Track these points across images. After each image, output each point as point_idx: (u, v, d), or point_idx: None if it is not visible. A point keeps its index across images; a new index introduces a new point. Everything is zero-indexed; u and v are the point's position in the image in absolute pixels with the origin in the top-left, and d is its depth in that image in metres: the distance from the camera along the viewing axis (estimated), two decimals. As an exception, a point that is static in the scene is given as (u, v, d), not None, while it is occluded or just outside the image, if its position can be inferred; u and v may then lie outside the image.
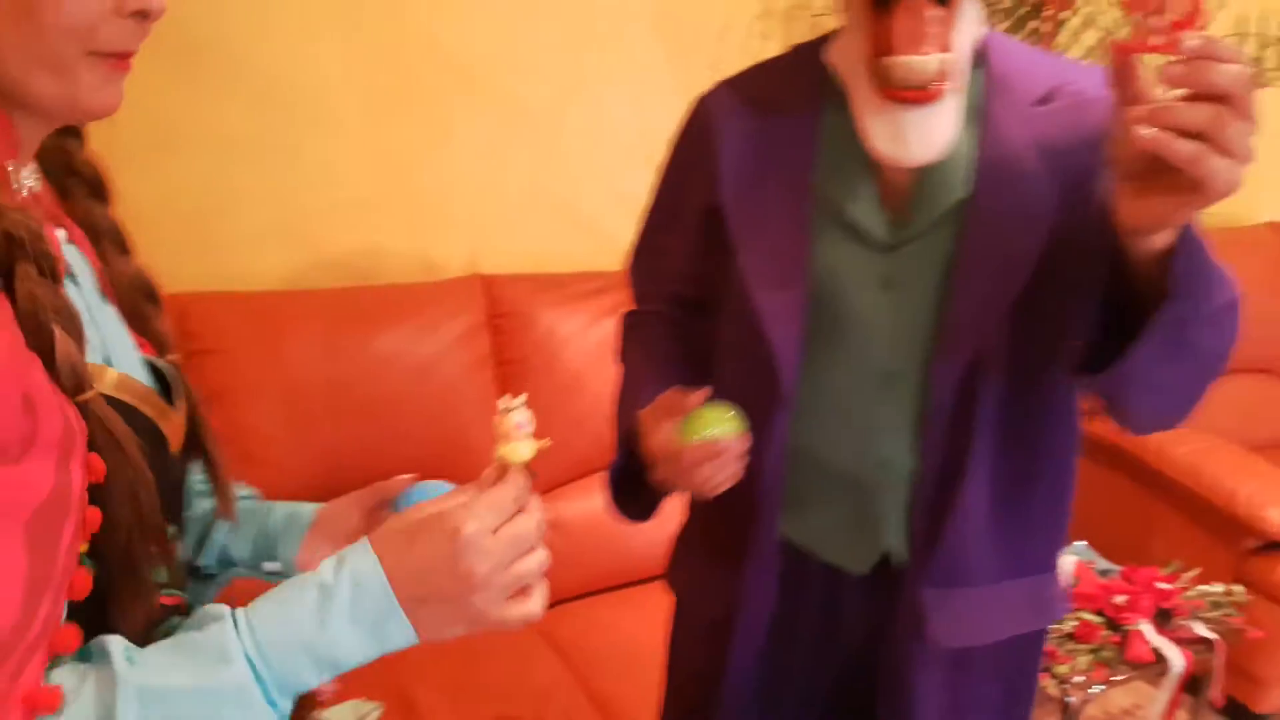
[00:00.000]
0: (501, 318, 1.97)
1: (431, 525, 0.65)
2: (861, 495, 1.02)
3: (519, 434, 0.71)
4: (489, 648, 1.83)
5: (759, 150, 1.00)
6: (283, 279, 1.99)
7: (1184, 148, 0.67)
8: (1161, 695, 2.07)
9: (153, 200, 1.82)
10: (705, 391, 0.95)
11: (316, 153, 1.95)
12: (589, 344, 2.02)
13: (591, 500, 1.97)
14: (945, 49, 0.86)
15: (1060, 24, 2.01)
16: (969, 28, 0.90)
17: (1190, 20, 0.69)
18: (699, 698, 1.15)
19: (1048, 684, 1.96)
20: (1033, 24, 2.00)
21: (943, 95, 0.86)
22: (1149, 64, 0.72)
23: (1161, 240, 0.76)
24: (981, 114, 0.94)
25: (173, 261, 1.87)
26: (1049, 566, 1.09)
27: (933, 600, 1.01)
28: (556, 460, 1.97)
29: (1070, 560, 2.22)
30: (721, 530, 1.11)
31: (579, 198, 2.22)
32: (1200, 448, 2.48)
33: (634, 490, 1.09)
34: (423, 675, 1.71)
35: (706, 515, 1.15)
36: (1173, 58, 0.67)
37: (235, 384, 1.76)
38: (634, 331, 1.21)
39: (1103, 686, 1.97)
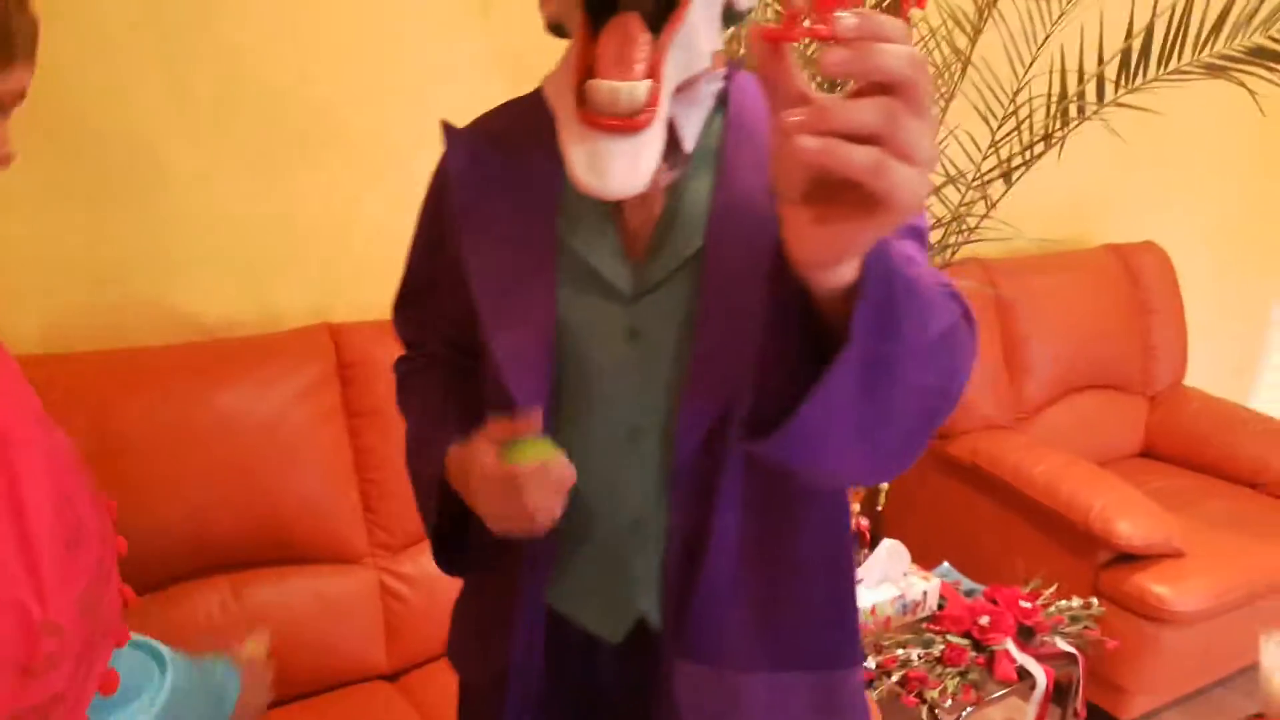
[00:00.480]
0: (351, 367, 1.89)
1: None
2: (615, 557, 0.96)
3: None
4: (348, 711, 1.75)
5: (498, 193, 0.95)
6: (112, 338, 1.87)
7: (858, 156, 0.54)
8: (1030, 710, 2.11)
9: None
10: (535, 419, 0.90)
11: (145, 204, 1.85)
12: (446, 391, 1.95)
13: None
14: (654, 76, 0.79)
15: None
16: (695, 61, 0.84)
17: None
18: None
19: (919, 710, 1.97)
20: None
21: (647, 126, 0.78)
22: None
23: (849, 273, 0.65)
24: (719, 158, 0.90)
25: (18, 324, 1.75)
26: (841, 662, 0.99)
27: (686, 676, 0.94)
28: (414, 515, 1.90)
29: (935, 582, 2.26)
30: (489, 597, 1.05)
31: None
32: (1055, 465, 2.56)
33: (456, 540, 1.04)
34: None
35: (476, 583, 1.10)
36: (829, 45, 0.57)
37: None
38: (411, 379, 1.16)
39: (972, 708, 1.99)
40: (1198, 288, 3.57)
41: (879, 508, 2.67)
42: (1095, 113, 2.25)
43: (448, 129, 0.98)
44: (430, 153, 2.08)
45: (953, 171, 2.35)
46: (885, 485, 2.66)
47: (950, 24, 2.37)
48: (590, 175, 0.77)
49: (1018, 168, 2.31)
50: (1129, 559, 2.42)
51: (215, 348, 1.82)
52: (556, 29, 0.89)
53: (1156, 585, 2.35)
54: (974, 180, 2.37)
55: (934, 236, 2.39)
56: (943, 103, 2.31)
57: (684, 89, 0.85)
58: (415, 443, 1.07)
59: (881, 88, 0.55)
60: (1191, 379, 3.38)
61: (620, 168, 0.77)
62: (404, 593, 1.89)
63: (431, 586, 1.90)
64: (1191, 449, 3.07)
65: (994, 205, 2.37)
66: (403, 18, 2.02)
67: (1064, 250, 3.19)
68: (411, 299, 1.15)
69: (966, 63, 2.29)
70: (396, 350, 1.94)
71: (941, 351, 0.71)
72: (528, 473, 0.85)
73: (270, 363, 1.83)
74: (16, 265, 1.77)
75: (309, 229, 2.02)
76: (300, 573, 1.81)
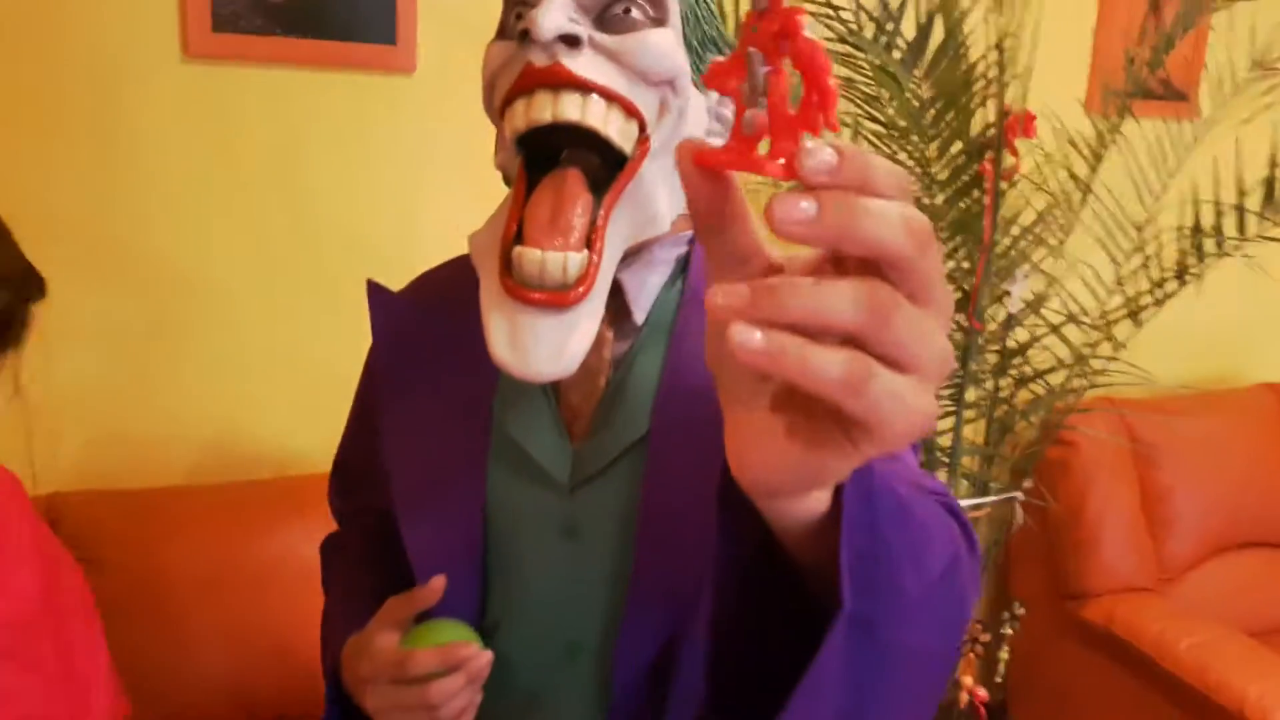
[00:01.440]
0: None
1: None
2: None
3: None
4: None
5: (427, 362, 0.84)
6: (182, 474, 1.85)
7: (824, 365, 0.36)
8: None
9: (43, 393, 1.70)
10: (437, 590, 0.77)
11: (213, 340, 1.85)
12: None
13: None
14: (592, 246, 0.68)
15: (1001, 194, 1.90)
16: (649, 225, 0.73)
17: (812, 111, 0.38)
18: None
19: None
20: (975, 193, 1.89)
21: (578, 303, 0.67)
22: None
23: (816, 504, 0.48)
24: (671, 332, 0.78)
25: (67, 457, 1.76)
26: None
27: None
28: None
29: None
30: None
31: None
32: (1205, 639, 2.25)
33: None
34: None
35: None
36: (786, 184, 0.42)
37: (109, 597, 1.59)
38: (334, 555, 1.06)
39: None
40: (1376, 432, 3.17)
41: (998, 678, 2.39)
42: (1236, 246, 2.02)
43: (373, 290, 0.89)
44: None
45: (1074, 309, 2.15)
46: (1005, 652, 2.39)
47: (1068, 148, 2.20)
48: (509, 353, 0.67)
49: (1146, 306, 2.09)
50: (1296, 756, 2.07)
51: (267, 487, 1.77)
52: (507, 180, 0.79)
53: (1330, 792, 1.99)
54: (1099, 319, 2.16)
55: (1054, 379, 2.17)
56: (1061, 235, 2.12)
57: (636, 251, 0.74)
58: (323, 627, 0.95)
59: (867, 263, 0.37)
60: (1372, 537, 2.97)
61: (545, 348, 0.66)
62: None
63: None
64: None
65: (1121, 346, 2.14)
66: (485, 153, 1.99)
67: (1213, 389, 2.89)
68: (343, 469, 1.06)
69: (1086, 191, 2.11)
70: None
71: (940, 599, 0.53)
72: (429, 658, 0.72)
73: (323, 504, 1.75)
74: (70, 397, 1.78)
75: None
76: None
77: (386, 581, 0.88)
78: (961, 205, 1.95)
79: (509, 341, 0.67)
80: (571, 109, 0.67)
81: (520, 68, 0.69)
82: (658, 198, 0.73)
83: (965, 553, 0.57)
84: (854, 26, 1.85)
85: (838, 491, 0.48)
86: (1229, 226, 2.04)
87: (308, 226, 1.88)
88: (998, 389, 2.12)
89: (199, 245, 1.81)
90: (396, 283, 1.95)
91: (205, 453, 1.87)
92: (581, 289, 0.67)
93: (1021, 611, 2.43)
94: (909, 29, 1.97)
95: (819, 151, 0.36)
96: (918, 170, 1.92)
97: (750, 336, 0.35)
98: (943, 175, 1.91)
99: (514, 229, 0.70)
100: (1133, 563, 2.52)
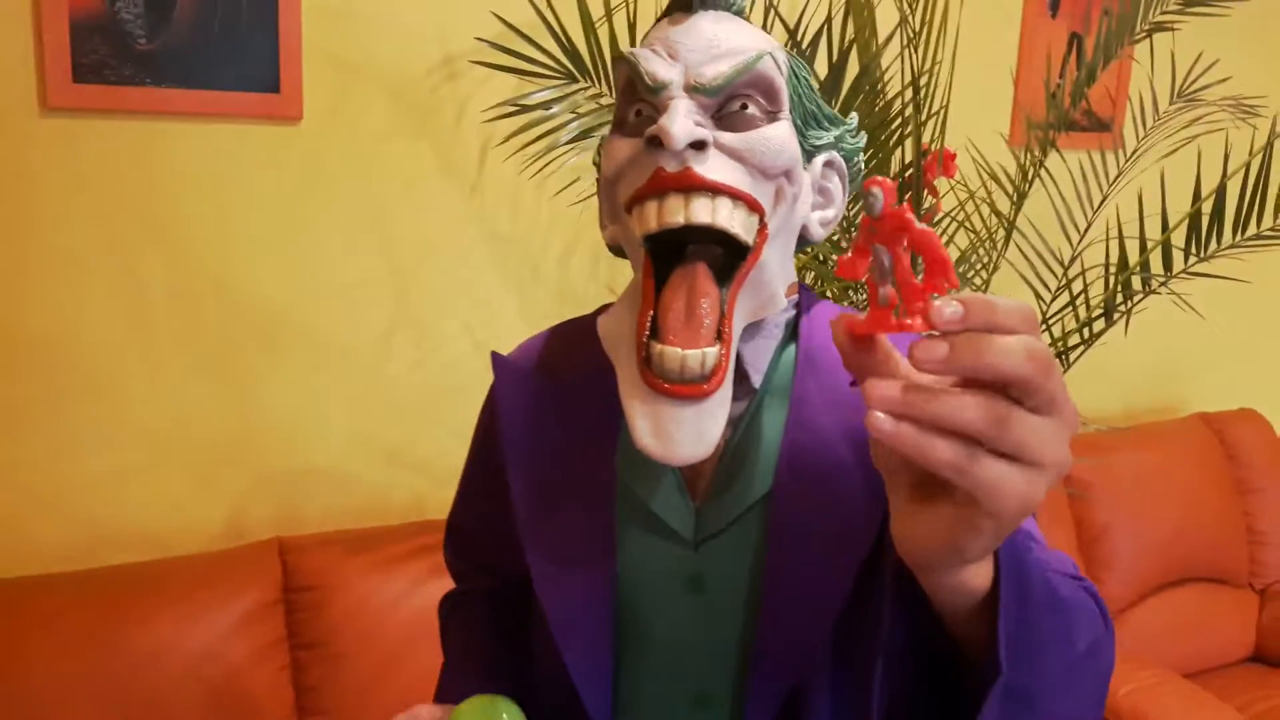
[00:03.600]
0: (299, 591, 1.68)
1: None
2: None
3: None
4: None
5: (551, 427, 0.87)
6: (50, 560, 1.71)
7: (938, 450, 0.47)
8: None
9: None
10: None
11: (88, 418, 1.71)
12: (411, 612, 1.72)
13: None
14: (723, 340, 0.74)
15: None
16: (767, 304, 0.79)
17: (936, 278, 0.49)
18: None
19: None
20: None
21: (715, 393, 0.73)
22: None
23: (975, 581, 0.58)
24: (790, 394, 0.82)
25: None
26: None
27: None
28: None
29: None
30: None
31: (414, 439, 1.98)
32: (1142, 685, 2.18)
33: None
34: None
35: None
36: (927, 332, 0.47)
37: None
38: (454, 615, 1.06)
39: None
40: (1311, 457, 3.16)
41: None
42: (1163, 284, 1.97)
43: (497, 359, 0.91)
44: (406, 344, 1.93)
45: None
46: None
47: (991, 184, 2.14)
48: (655, 442, 0.73)
49: (1075, 346, 2.03)
50: (1240, 807, 2.01)
51: (142, 570, 1.64)
52: (617, 250, 0.85)
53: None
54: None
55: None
56: (985, 275, 2.06)
57: (753, 324, 0.81)
58: (439, 684, 0.98)
59: (992, 384, 0.48)
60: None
61: (687, 435, 0.73)
62: None
63: None
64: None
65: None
66: (381, 199, 1.88)
67: (1147, 422, 2.86)
68: (460, 522, 1.06)
69: (1011, 227, 2.05)
70: (354, 570, 1.75)
71: (1085, 674, 0.65)
72: None
73: (204, 589, 1.63)
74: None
75: (268, 433, 1.85)
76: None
77: (502, 647, 0.97)
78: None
79: (653, 431, 0.73)
80: (703, 213, 0.72)
81: (650, 171, 0.73)
82: (775, 279, 0.79)
83: (1104, 631, 0.67)
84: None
85: (997, 579, 0.59)
86: (1155, 264, 1.99)
87: (187, 285, 1.75)
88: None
89: (68, 311, 1.68)
90: (296, 341, 1.84)
91: (75, 535, 1.73)
92: (716, 379, 0.73)
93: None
94: (822, 67, 1.90)
95: (946, 307, 0.47)
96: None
97: (883, 421, 0.48)
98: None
99: (647, 322, 0.75)
100: (1071, 605, 2.46)
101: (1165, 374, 3.02)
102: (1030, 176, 2.04)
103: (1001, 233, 2.08)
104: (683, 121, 0.71)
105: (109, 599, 1.59)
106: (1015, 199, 2.06)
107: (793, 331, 0.85)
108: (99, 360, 1.71)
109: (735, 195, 0.73)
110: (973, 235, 2.07)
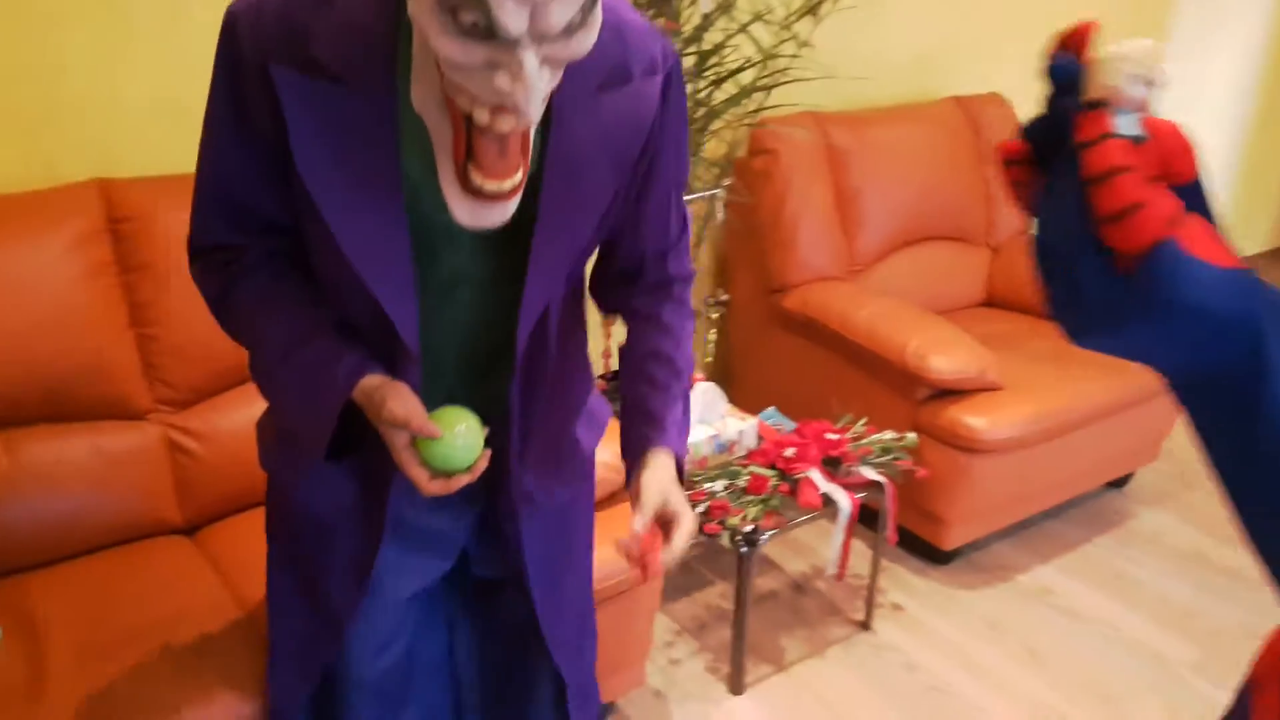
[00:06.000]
0: (123, 222, 1.83)
1: None
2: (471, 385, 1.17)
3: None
4: (134, 563, 1.74)
5: (332, 126, 0.96)
6: None
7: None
8: (836, 533, 2.17)
9: None
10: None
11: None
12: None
13: (240, 413, 1.89)
14: (525, 166, 0.94)
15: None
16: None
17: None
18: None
19: (721, 536, 2.02)
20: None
21: (516, 194, 0.95)
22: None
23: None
24: (550, 104, 0.99)
25: None
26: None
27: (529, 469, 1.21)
28: (201, 372, 1.87)
29: (751, 422, 2.30)
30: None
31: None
32: (878, 310, 2.60)
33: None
34: (49, 591, 1.64)
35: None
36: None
37: None
38: (237, 295, 1.10)
39: (774, 532, 2.05)
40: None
41: (708, 359, 2.70)
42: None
43: (276, 72, 0.95)
44: (204, 3, 2.00)
45: (760, 8, 2.31)
46: (712, 337, 2.69)
47: None
48: (470, 220, 0.95)
49: (824, 1, 2.28)
50: (948, 395, 2.48)
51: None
52: None
53: (969, 417, 2.41)
54: (785, 19, 2.34)
55: (746, 77, 2.36)
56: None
57: None
58: (270, 356, 1.09)
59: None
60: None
61: (495, 217, 0.95)
62: (193, 448, 1.86)
63: (223, 441, 1.88)
64: (1030, 294, 3.11)
65: (806, 44, 2.34)
66: None
67: (907, 103, 3.19)
68: (213, 201, 1.08)
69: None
70: (179, 203, 1.88)
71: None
72: (436, 483, 1.03)
73: (31, 219, 1.75)
74: None
75: (80, 82, 1.93)
76: (78, 430, 1.78)
77: (309, 289, 1.11)
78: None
79: (469, 217, 0.95)
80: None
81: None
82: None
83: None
84: None
85: None
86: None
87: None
88: (696, 91, 2.30)
89: None
90: (97, 143, 1.86)
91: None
92: (518, 189, 0.95)
93: (725, 298, 2.71)
94: None
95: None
96: None
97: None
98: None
99: (461, 148, 0.92)
100: (826, 257, 2.84)
101: (926, 63, 3.34)
102: None
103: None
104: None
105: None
106: None
107: None
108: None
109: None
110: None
